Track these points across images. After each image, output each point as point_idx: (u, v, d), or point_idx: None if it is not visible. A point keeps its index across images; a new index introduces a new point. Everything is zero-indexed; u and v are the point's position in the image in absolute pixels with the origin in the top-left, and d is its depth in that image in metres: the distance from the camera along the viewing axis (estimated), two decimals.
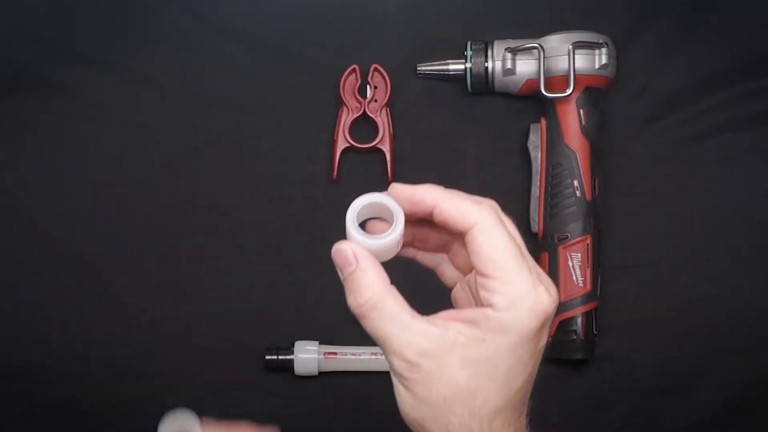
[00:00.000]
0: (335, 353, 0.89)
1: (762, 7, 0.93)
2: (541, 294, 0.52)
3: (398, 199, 0.54)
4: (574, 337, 0.87)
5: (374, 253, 0.54)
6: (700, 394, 0.90)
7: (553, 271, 0.88)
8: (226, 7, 0.94)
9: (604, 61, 0.88)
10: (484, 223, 0.52)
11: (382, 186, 0.92)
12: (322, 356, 0.89)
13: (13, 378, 0.90)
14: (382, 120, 0.91)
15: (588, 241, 0.88)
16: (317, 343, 0.89)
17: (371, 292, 0.52)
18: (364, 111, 0.91)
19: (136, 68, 0.93)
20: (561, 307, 0.87)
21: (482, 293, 0.52)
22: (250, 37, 0.94)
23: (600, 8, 0.93)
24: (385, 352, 0.53)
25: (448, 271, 0.59)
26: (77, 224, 0.91)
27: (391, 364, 0.53)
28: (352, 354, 0.89)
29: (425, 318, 0.52)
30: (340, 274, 0.54)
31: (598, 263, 0.89)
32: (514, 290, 0.51)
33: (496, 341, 0.51)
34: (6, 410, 0.89)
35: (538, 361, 0.54)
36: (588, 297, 0.88)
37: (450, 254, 0.58)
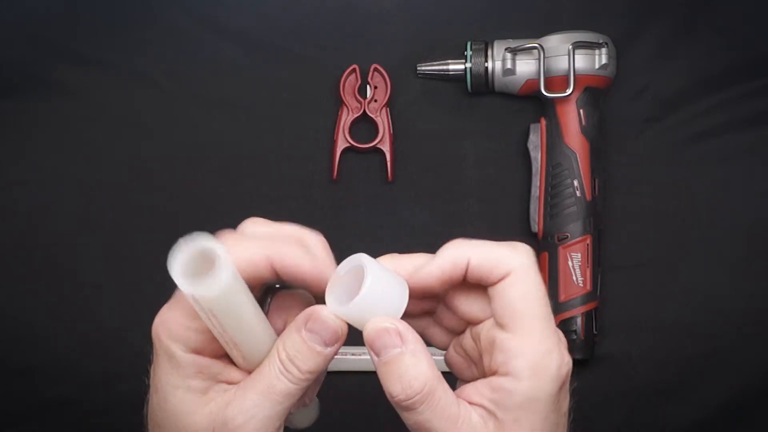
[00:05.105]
0: None
1: (762, 7, 0.93)
2: (564, 355, 0.48)
3: (417, 282, 0.49)
4: (574, 337, 0.87)
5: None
6: (700, 394, 0.89)
7: (553, 271, 0.88)
8: (226, 7, 0.94)
9: (604, 61, 0.88)
10: (518, 272, 0.47)
11: (381, 186, 0.92)
12: None
13: (13, 378, 0.89)
14: (382, 120, 0.91)
15: (588, 241, 0.88)
16: None
17: (423, 383, 0.47)
18: (364, 111, 0.91)
19: (136, 68, 0.93)
20: (561, 307, 0.87)
21: (497, 355, 0.48)
22: (250, 37, 0.94)
23: (600, 8, 0.93)
24: None
25: (437, 335, 0.54)
26: (77, 224, 0.91)
27: None
28: (352, 354, 0.89)
29: (465, 403, 0.48)
30: (373, 355, 0.48)
31: (598, 263, 0.89)
32: (538, 352, 0.47)
33: (527, 419, 0.47)
34: (6, 410, 0.89)
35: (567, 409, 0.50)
36: (588, 297, 0.88)
37: (436, 318, 0.54)
